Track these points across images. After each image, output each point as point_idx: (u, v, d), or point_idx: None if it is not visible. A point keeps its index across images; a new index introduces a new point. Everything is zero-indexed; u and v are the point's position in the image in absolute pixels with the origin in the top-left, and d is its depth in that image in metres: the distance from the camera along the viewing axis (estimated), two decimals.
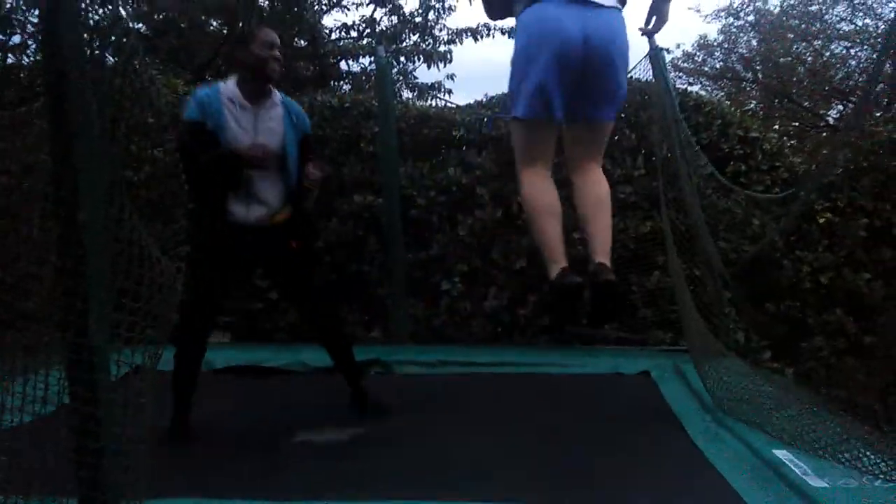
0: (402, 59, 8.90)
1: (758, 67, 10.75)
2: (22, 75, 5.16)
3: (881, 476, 1.67)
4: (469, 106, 4.88)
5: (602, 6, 2.17)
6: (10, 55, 5.62)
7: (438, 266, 4.15)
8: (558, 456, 2.15)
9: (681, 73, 11.87)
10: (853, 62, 9.96)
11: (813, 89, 9.94)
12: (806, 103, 10.42)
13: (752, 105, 10.58)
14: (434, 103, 8.01)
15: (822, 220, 3.95)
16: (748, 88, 11.40)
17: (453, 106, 5.15)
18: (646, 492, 1.81)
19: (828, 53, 10.13)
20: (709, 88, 11.57)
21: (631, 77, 3.19)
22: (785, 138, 4.95)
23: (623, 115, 4.09)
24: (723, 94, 11.27)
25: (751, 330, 3.90)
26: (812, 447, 1.89)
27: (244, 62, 2.45)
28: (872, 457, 1.73)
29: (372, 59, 9.05)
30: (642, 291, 3.96)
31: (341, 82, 8.72)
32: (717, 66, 11.47)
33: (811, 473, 1.77)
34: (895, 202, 3.95)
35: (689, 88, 12.28)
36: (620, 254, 3.92)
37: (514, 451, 2.19)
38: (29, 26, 5.67)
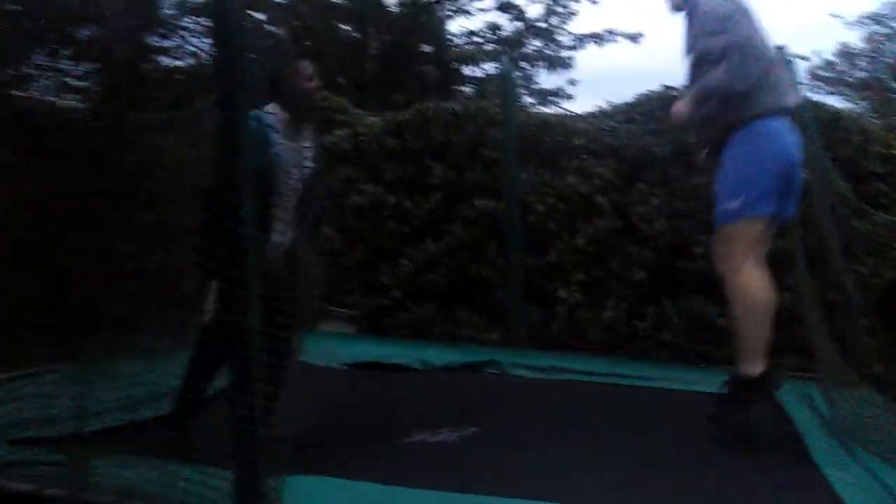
0: (525, 64, 9.00)
1: None
2: (177, 77, 5.67)
3: None
4: (591, 115, 4.91)
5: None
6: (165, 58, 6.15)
7: (556, 273, 4.21)
8: (662, 469, 2.17)
9: (820, 83, 11.18)
10: None
11: None
12: None
13: None
14: (554, 109, 8.06)
15: None
16: None
17: (574, 114, 5.17)
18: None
19: None
20: (851, 100, 10.83)
21: None
22: None
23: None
24: (866, 105, 10.50)
25: (892, 361, 3.70)
26: None
27: (288, 93, 2.52)
28: None
29: (495, 64, 9.24)
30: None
31: (464, 86, 8.96)
32: (861, 75, 10.70)
33: None
34: None
35: (828, 100, 11.61)
36: None
37: (612, 462, 2.23)
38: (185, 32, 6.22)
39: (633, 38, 9.74)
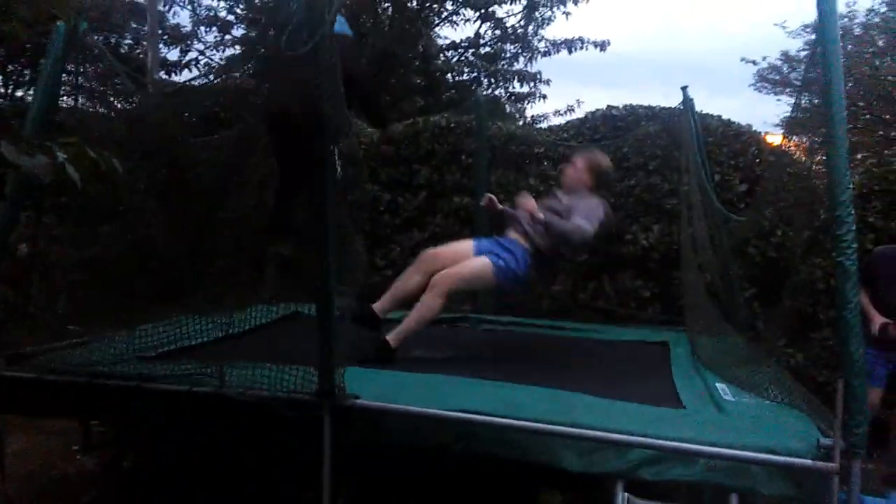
0: (500, 79, 9.97)
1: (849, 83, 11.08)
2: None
3: (772, 400, 2.71)
4: (549, 129, 5.99)
5: None
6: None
7: None
8: (579, 379, 3.25)
9: (766, 84, 12.38)
10: None
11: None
12: (887, 116, 10.68)
13: None
14: (521, 122, 9.12)
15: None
16: None
17: (535, 128, 6.25)
18: (621, 393, 2.86)
19: None
20: (793, 99, 11.98)
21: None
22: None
23: (671, 142, 5.09)
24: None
25: (769, 321, 4.81)
26: (743, 385, 2.93)
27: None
28: (775, 391, 2.77)
29: (472, 72, 10.26)
30: (679, 284, 4.96)
31: (447, 92, 9.96)
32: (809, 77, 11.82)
33: (729, 394, 2.82)
34: None
35: (776, 99, 12.69)
36: (667, 254, 4.97)
37: (549, 372, 3.30)
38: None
39: (601, 45, 10.76)
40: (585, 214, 3.62)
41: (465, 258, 3.59)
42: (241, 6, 10.13)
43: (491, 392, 2.65)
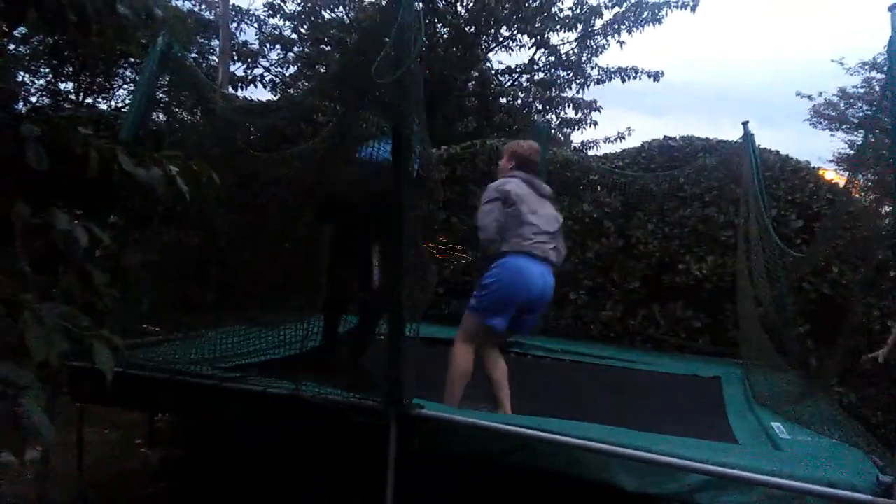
0: (553, 105, 10.09)
1: None
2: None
3: (829, 437, 2.73)
4: (604, 156, 6.07)
5: (553, 266, 3.35)
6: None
7: (569, 279, 5.38)
8: (632, 415, 3.31)
9: (822, 119, 12.24)
10: None
11: None
12: None
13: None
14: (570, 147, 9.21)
15: (893, 273, 4.75)
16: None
17: (590, 156, 6.35)
18: (675, 430, 2.93)
19: None
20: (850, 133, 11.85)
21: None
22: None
23: (728, 174, 5.13)
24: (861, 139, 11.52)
25: (824, 358, 4.77)
26: (799, 423, 2.96)
27: None
28: (831, 429, 2.79)
29: (526, 97, 10.39)
30: (734, 314, 4.96)
31: (501, 114, 10.13)
32: (859, 115, 11.71)
33: (784, 432, 2.85)
34: None
35: (830, 134, 12.53)
36: (720, 285, 4.98)
37: (603, 408, 3.37)
38: None
39: (655, 76, 10.79)
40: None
41: None
42: (304, 26, 10.50)
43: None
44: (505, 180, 3.45)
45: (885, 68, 2.54)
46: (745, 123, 4.54)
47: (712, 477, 2.27)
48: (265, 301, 3.09)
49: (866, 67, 11.82)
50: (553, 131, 10.86)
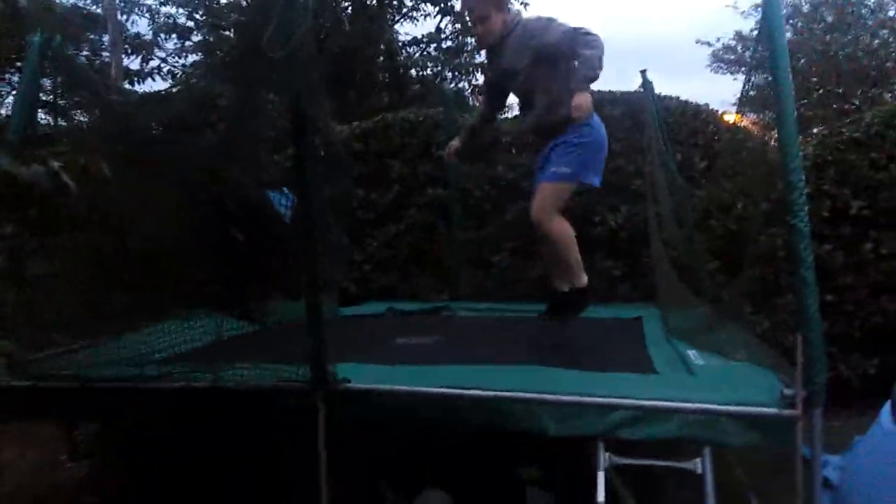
0: (464, 72, 10.11)
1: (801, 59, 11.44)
2: None
3: (739, 360, 2.89)
4: (516, 118, 6.12)
5: None
6: None
7: (490, 243, 5.44)
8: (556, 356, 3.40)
9: (723, 64, 12.74)
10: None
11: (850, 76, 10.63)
12: (840, 90, 11.07)
13: None
14: None
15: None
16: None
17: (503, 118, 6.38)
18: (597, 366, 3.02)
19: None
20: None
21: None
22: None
23: (633, 124, 5.27)
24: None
25: (733, 289, 5.01)
26: (711, 349, 3.11)
27: None
28: (741, 352, 2.95)
29: (435, 66, 10.36)
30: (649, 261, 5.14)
31: (414, 87, 10.07)
32: (756, 56, 12.23)
33: (699, 358, 2.99)
34: (853, 188, 4.96)
35: (733, 78, 13.02)
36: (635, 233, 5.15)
37: (528, 352, 3.44)
38: None
39: None
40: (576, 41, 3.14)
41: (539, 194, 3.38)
42: (200, 12, 10.11)
43: (471, 374, 2.76)
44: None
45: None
46: (643, 72, 4.66)
47: (634, 411, 2.37)
48: (178, 294, 3.00)
49: (758, 10, 12.31)
50: (468, 98, 10.88)
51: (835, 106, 11.71)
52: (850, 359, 4.88)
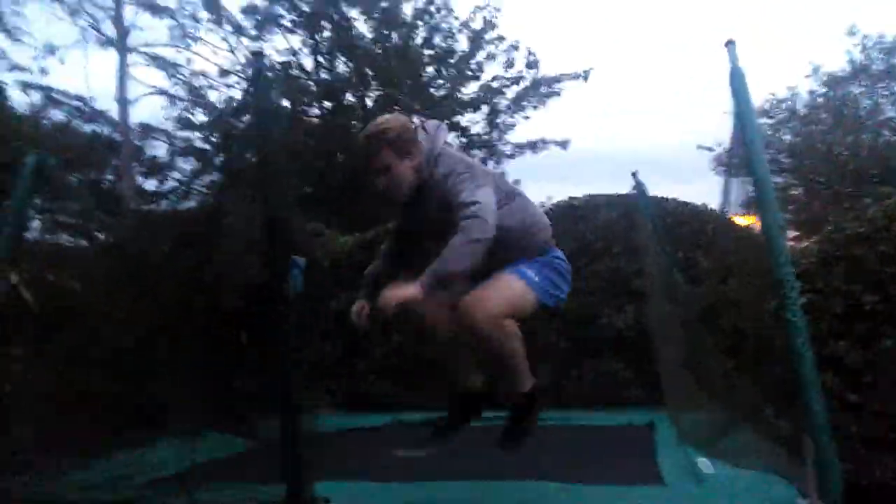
0: None
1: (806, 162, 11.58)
2: None
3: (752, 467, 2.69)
4: None
5: None
6: None
7: None
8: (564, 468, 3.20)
9: (724, 167, 12.94)
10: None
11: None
12: (849, 189, 11.12)
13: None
14: None
15: (804, 300, 4.86)
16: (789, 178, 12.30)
17: None
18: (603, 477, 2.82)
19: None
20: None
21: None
22: None
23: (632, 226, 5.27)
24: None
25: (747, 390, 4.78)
26: (726, 457, 2.92)
27: None
28: (754, 459, 2.75)
29: None
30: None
31: None
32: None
33: (710, 467, 2.79)
34: (864, 284, 4.81)
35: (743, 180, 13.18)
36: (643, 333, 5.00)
37: (532, 465, 3.23)
38: None
39: (563, 144, 11.28)
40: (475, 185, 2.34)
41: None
42: (215, 135, 10.54)
43: (466, 491, 2.59)
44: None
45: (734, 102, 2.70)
46: (634, 174, 4.69)
47: None
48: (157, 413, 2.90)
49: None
50: None
51: (846, 205, 11.72)
52: (886, 461, 4.55)
